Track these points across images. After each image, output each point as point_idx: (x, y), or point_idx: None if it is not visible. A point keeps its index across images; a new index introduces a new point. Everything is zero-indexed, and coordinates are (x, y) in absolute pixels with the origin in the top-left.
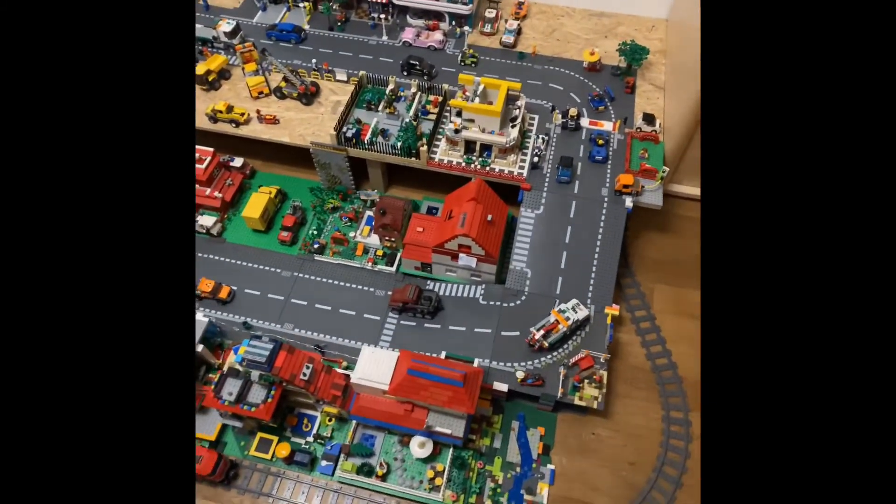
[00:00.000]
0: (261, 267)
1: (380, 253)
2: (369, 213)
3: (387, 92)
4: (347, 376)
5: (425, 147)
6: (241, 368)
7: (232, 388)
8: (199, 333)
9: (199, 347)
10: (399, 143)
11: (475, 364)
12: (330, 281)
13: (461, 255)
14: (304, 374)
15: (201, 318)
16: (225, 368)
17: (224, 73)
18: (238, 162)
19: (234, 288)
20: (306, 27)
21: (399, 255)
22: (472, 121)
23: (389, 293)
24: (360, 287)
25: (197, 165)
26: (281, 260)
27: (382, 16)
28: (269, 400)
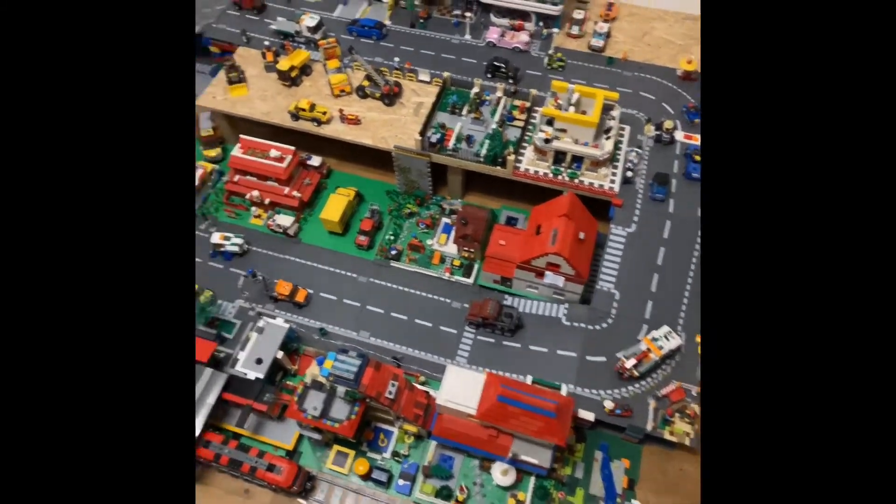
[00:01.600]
0: (337, 270)
1: (457, 263)
2: (446, 220)
3: (471, 95)
4: (429, 394)
5: (513, 157)
6: (325, 382)
7: (316, 402)
8: (279, 340)
9: (279, 354)
10: (484, 151)
11: (562, 391)
12: (406, 289)
13: (548, 272)
14: (390, 393)
15: (282, 324)
16: (308, 380)
17: (306, 69)
18: (316, 161)
19: (311, 291)
20: (387, 23)
21: (478, 266)
22: (563, 130)
23: (467, 306)
24: (436, 297)
25: (277, 164)
26: (357, 264)
27: (467, 13)
28: (353, 417)
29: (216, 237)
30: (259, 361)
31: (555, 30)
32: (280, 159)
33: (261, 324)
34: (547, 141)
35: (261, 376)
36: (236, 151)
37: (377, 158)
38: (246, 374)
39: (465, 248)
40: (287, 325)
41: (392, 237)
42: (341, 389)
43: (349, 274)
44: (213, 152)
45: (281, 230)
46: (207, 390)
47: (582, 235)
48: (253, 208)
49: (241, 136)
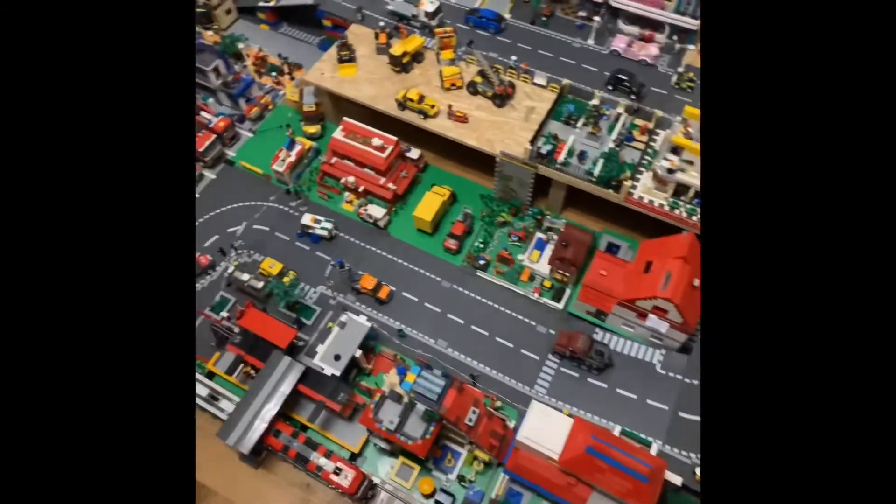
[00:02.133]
0: (421, 271)
1: (547, 284)
2: (541, 235)
3: (589, 107)
4: (505, 424)
5: (629, 182)
6: (403, 394)
7: (392, 414)
8: (359, 338)
9: (358, 353)
10: (597, 170)
11: (652, 448)
12: (489, 302)
13: (651, 315)
14: (470, 420)
15: (364, 322)
16: (385, 389)
17: (417, 56)
18: (415, 154)
19: (394, 289)
20: (507, 16)
21: (569, 291)
22: (690, 163)
23: (553, 332)
24: (520, 317)
25: (378, 153)
26: (442, 267)
27: (594, 17)
28: (428, 436)
29: (307, 218)
30: (337, 358)
31: (689, 46)
32: (381, 149)
33: (343, 318)
34: (670, 171)
35: (337, 373)
36: (338, 134)
37: (475, 158)
38: (323, 368)
39: (561, 272)
40: (369, 325)
41: (481, 245)
42: (419, 406)
43: (433, 276)
44: (313, 129)
45: (371, 220)
46: (283, 379)
47: (696, 282)
48: (346, 193)
49: (345, 118)
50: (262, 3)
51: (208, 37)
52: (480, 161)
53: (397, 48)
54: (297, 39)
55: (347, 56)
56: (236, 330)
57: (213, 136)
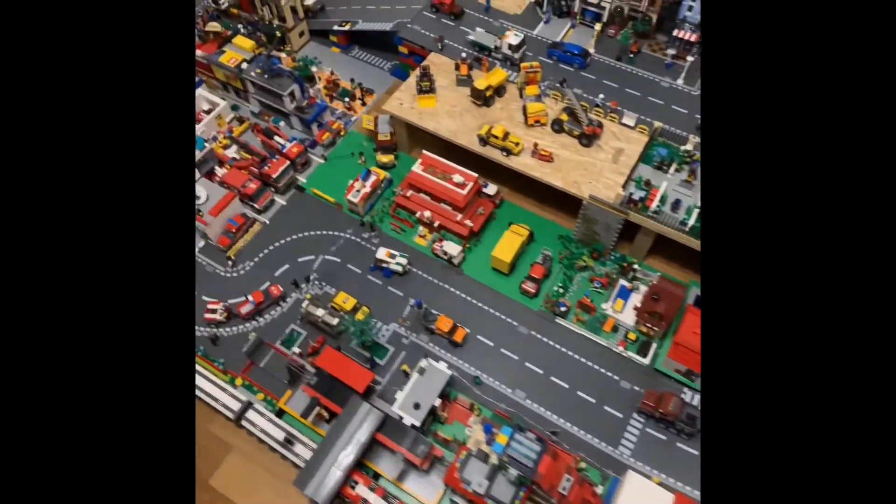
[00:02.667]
0: (496, 313)
1: (632, 336)
2: (624, 283)
3: (681, 152)
4: (595, 493)
5: None
6: (493, 455)
7: (480, 475)
8: (440, 387)
9: (437, 402)
10: (692, 221)
11: None
12: (570, 352)
13: None
14: (564, 488)
15: (444, 369)
16: (472, 447)
17: (499, 90)
18: (491, 189)
19: (469, 331)
20: (591, 51)
21: (656, 346)
22: None
23: (638, 389)
24: (603, 370)
25: (458, 190)
26: (518, 311)
27: (688, 57)
28: (517, 502)
29: (382, 253)
30: (417, 406)
31: None
32: (462, 185)
33: (423, 364)
34: None
35: (418, 424)
36: (417, 168)
37: (551, 195)
38: (402, 417)
39: (649, 325)
40: (450, 373)
41: (561, 289)
42: (513, 471)
43: (509, 320)
44: (387, 158)
45: (446, 257)
46: (361, 426)
47: None
48: (419, 227)
49: (424, 152)
50: (336, 27)
51: (283, 59)
52: (557, 199)
53: (482, 82)
54: (368, 63)
55: (428, 87)
56: (310, 369)
57: (287, 162)
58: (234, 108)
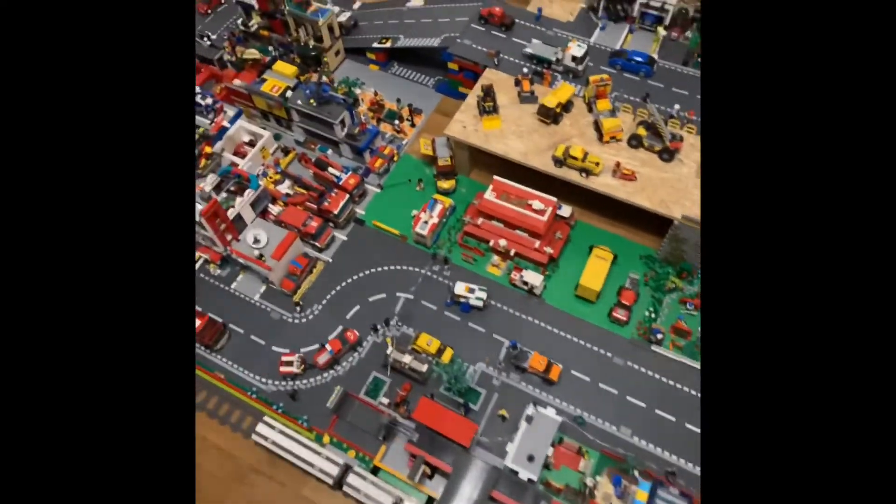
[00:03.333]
0: (587, 345)
1: None
2: None
3: None
4: None
5: None
6: None
7: None
8: (551, 434)
9: (550, 451)
10: None
11: None
12: (671, 382)
13: None
14: None
15: (554, 415)
16: (599, 501)
17: (567, 105)
18: (566, 211)
19: (561, 365)
20: (655, 56)
21: None
22: None
23: None
24: None
25: (538, 217)
26: (609, 340)
27: None
28: None
29: (460, 288)
30: (531, 458)
31: None
32: (541, 212)
33: (530, 412)
34: None
35: (534, 477)
36: (489, 195)
37: (624, 212)
38: (518, 472)
39: None
40: (560, 419)
41: (652, 314)
42: None
43: (602, 351)
44: (448, 184)
45: (526, 287)
46: (476, 484)
47: None
48: (493, 255)
49: (496, 178)
50: (375, 44)
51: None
52: (630, 216)
53: (551, 99)
54: (410, 80)
55: (491, 107)
56: (403, 420)
57: (347, 196)
58: (277, 136)
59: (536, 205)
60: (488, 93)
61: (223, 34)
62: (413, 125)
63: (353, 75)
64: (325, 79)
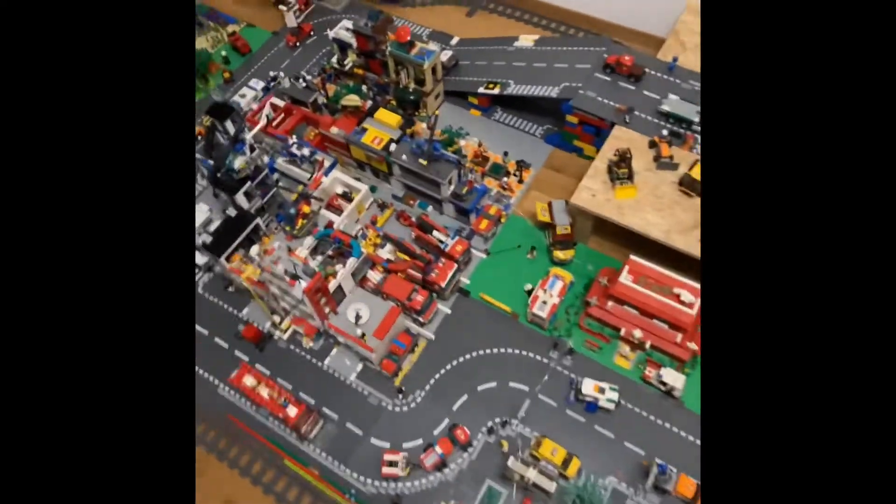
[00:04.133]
0: None
1: None
2: None
3: None
4: None
5: None
6: None
7: None
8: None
9: None
10: None
11: None
12: None
13: None
14: None
15: None
16: None
17: None
18: None
19: None
20: None
21: None
22: None
23: None
24: None
25: (687, 310)
26: None
27: None
28: None
29: (589, 386)
30: None
31: None
32: (690, 304)
33: None
34: None
35: None
36: (625, 279)
37: None
38: None
39: None
40: None
41: None
42: None
43: None
44: (566, 255)
45: (665, 388)
46: None
47: None
48: (620, 344)
49: (632, 257)
50: (481, 89)
51: (422, 131)
52: None
53: (699, 170)
54: (514, 128)
55: (626, 174)
56: None
57: (455, 267)
58: (372, 189)
59: (686, 296)
60: (624, 157)
61: (312, 70)
62: (521, 181)
63: (453, 121)
64: (439, 139)
